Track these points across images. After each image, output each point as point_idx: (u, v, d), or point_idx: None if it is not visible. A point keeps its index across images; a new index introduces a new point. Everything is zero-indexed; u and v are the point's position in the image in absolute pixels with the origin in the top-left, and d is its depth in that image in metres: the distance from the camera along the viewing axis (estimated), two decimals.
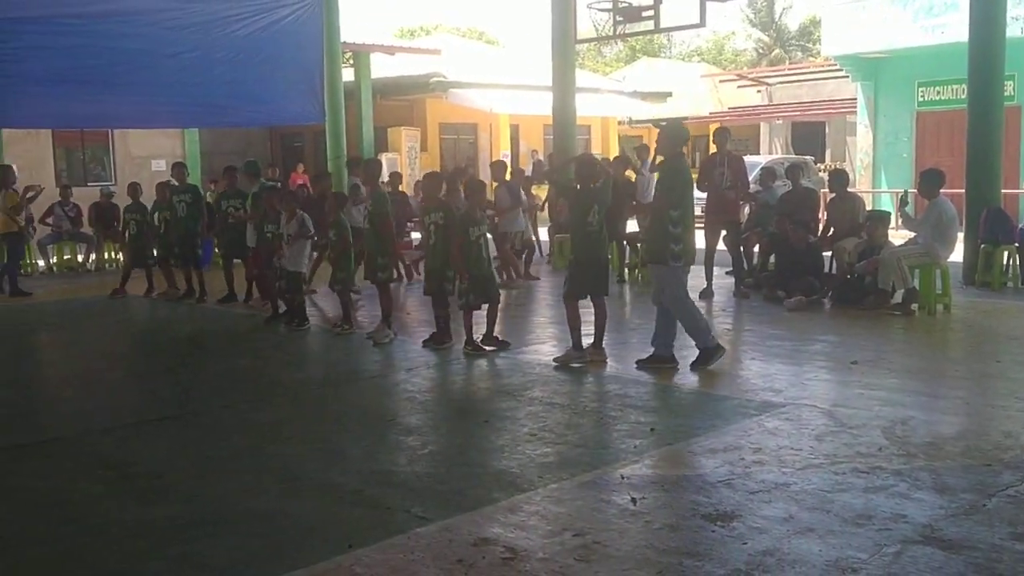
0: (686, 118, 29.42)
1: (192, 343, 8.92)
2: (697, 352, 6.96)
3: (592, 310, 7.20)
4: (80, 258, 15.23)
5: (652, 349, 7.06)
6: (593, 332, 7.20)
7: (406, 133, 22.32)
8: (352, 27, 20.97)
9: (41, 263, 14.95)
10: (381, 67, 22.24)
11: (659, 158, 7.76)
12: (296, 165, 21.93)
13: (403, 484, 4.62)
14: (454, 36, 37.10)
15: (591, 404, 6.17)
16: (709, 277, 10.35)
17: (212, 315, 10.06)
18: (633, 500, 4.22)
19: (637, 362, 7.00)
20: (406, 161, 21.77)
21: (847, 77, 21.21)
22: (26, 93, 12.77)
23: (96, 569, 3.73)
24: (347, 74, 19.76)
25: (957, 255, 10.09)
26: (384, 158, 21.17)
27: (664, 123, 7.55)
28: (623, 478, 4.55)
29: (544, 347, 7.93)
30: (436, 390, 6.82)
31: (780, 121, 27.74)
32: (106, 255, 15.13)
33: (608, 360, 7.12)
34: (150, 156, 19.78)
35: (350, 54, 20.91)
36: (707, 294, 10.27)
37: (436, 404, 6.42)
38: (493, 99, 22.06)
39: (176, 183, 11.76)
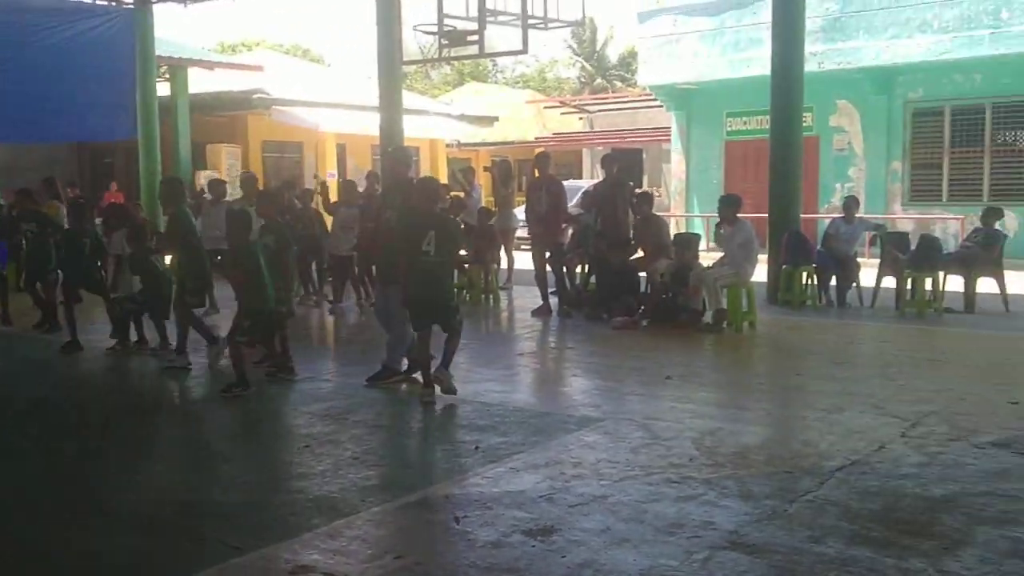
0: (512, 142, 30.08)
1: None
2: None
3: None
4: None
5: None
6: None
7: (226, 150, 21.64)
8: (169, 41, 20.20)
9: None
10: (200, 82, 21.51)
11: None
12: (109, 183, 20.82)
13: (218, 514, 4.44)
14: (277, 53, 36.36)
15: (416, 425, 6.14)
16: (544, 295, 10.60)
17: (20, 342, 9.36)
18: (456, 519, 4.22)
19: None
20: (226, 179, 21.09)
21: (662, 106, 22.23)
22: None
23: None
24: (163, 89, 18.99)
25: (761, 275, 10.73)
26: (202, 176, 20.46)
27: (396, 148, 7.62)
28: (447, 497, 4.54)
29: (370, 369, 7.83)
30: (254, 416, 6.60)
31: (601, 147, 28.72)
32: None
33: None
34: None
35: (166, 68, 20.10)
36: (543, 311, 10.50)
37: (254, 431, 6.22)
38: (319, 117, 21.73)
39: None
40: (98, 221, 14.99)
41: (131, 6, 16.23)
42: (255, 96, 21.20)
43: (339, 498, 4.58)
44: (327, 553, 3.88)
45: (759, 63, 15.81)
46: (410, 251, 6.48)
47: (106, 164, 23.93)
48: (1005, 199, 15.74)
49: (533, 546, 3.91)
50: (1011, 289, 10.75)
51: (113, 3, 16.50)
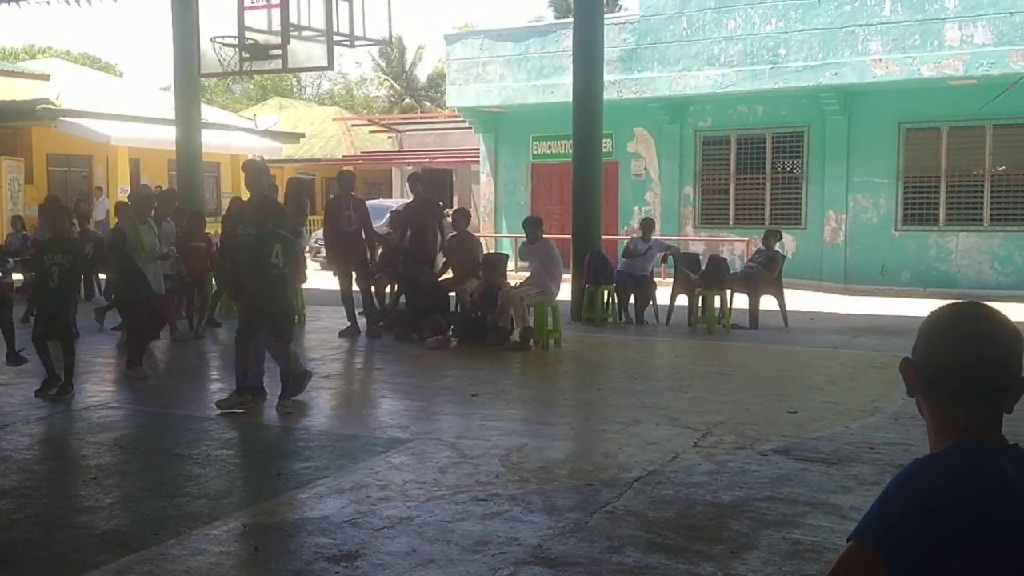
0: (319, 160, 29.62)
1: None
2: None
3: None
4: None
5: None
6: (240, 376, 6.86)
7: (7, 163, 20.11)
8: None
9: None
10: None
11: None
12: None
13: None
14: (65, 61, 34.19)
15: (215, 452, 5.88)
16: (351, 316, 10.40)
17: None
18: (256, 548, 4.08)
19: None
20: (7, 195, 19.60)
21: (471, 128, 22.53)
22: None
23: None
24: None
25: (565, 294, 11.05)
26: None
27: (249, 162, 7.78)
28: (245, 527, 4.37)
29: (167, 395, 7.47)
30: (36, 448, 6.13)
31: (410, 167, 28.76)
32: None
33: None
34: None
35: None
36: (350, 332, 10.32)
37: (35, 463, 5.77)
38: (110, 129, 20.59)
39: None
40: None
41: None
42: (40, 107, 19.88)
43: (129, 532, 4.32)
44: None
45: (562, 90, 16.35)
46: (261, 263, 6.69)
47: None
48: (783, 222, 16.94)
49: (337, 572, 3.83)
50: (789, 306, 11.59)
51: None
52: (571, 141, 12.56)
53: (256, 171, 7.48)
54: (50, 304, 7.18)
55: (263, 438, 6.12)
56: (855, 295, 15.47)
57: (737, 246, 17.73)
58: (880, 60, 15.74)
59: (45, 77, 21.69)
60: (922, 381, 1.57)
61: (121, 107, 21.76)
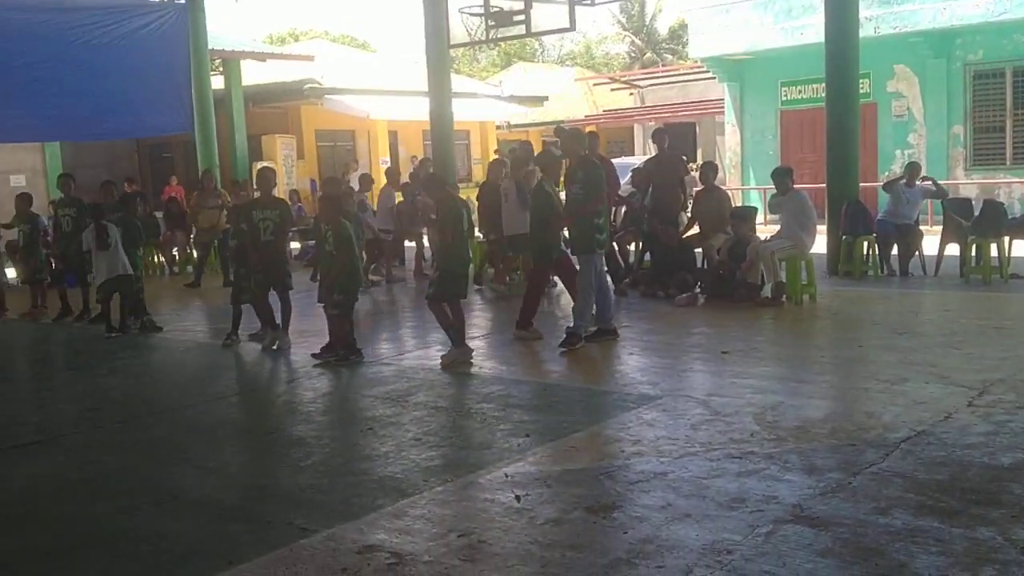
0: (562, 121, 29.94)
1: (56, 362, 8.53)
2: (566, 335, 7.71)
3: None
4: None
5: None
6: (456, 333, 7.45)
7: (281, 141, 21.91)
8: (220, 35, 20.48)
9: None
10: (252, 74, 21.79)
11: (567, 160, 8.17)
12: (169, 178, 21.23)
13: (285, 497, 4.54)
14: (326, 42, 36.63)
15: (475, 406, 6.18)
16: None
17: (83, 334, 9.61)
18: (517, 497, 4.26)
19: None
20: (282, 170, 21.36)
21: (714, 78, 21.92)
22: None
23: None
24: (216, 82, 19.28)
25: (820, 247, 10.56)
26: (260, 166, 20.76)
27: (562, 128, 8.08)
28: (507, 476, 4.58)
29: (429, 351, 7.92)
30: (318, 401, 6.73)
31: (652, 123, 28.46)
32: None
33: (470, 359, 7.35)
34: (7, 171, 18.83)
35: (219, 61, 20.40)
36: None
37: (319, 415, 6.34)
38: (370, 105, 21.89)
39: (63, 196, 11.34)
40: (159, 215, 15.49)
41: (183, 1, 16.49)
42: (307, 86, 21.42)
43: (403, 479, 4.65)
44: (393, 532, 3.95)
45: (813, 30, 15.52)
46: (460, 233, 7.33)
47: (165, 159, 24.40)
48: None
49: (594, 522, 3.94)
50: None
51: None
52: (823, 84, 11.88)
53: (572, 137, 7.96)
54: (267, 254, 8.13)
55: (520, 393, 6.35)
56: None
57: (1016, 188, 16.17)
58: None
59: (310, 58, 23.31)
60: None
61: (378, 83, 23.05)
